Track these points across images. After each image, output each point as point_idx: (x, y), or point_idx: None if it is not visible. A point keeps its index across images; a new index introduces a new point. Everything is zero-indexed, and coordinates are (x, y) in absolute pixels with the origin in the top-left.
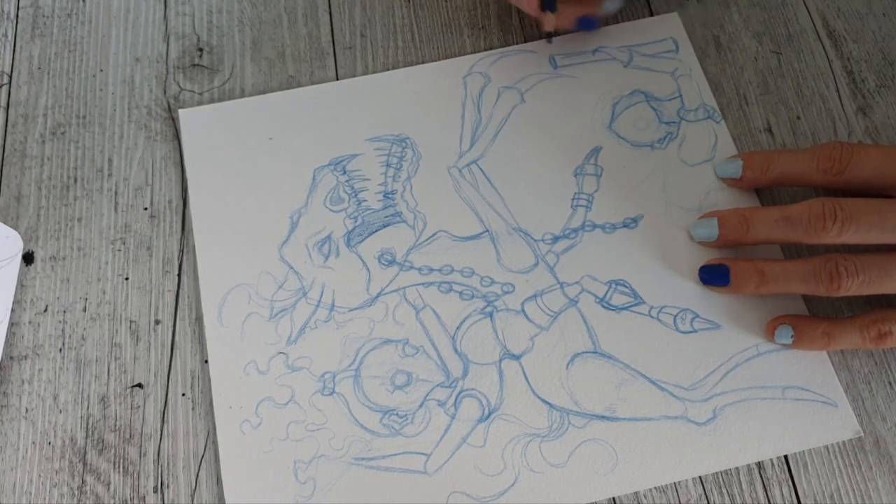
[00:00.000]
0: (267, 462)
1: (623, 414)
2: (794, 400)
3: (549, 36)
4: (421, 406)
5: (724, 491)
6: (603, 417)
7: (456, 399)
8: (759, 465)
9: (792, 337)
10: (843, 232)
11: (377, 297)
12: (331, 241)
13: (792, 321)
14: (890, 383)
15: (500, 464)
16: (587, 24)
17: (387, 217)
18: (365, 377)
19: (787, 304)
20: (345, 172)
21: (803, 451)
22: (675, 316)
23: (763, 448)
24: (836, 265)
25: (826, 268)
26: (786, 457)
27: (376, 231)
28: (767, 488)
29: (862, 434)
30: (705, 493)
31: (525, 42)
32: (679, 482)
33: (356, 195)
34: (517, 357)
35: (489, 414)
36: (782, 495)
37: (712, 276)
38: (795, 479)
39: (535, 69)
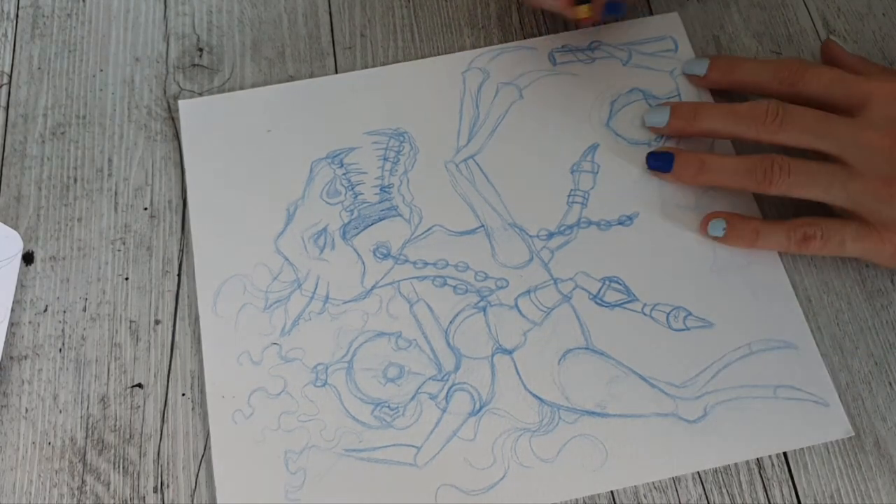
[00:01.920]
0: (258, 452)
1: (614, 410)
2: (785, 399)
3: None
4: (412, 399)
5: (724, 491)
6: (593, 413)
7: (447, 392)
8: (759, 465)
9: (724, 230)
10: (780, 130)
11: (371, 289)
12: (326, 233)
13: (726, 216)
14: (890, 383)
15: (490, 457)
16: (614, 9)
17: (383, 211)
18: (357, 369)
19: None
20: (342, 165)
21: (803, 452)
22: (668, 314)
23: (754, 446)
24: (773, 163)
25: (762, 164)
26: (786, 457)
27: (372, 224)
28: (767, 488)
29: (853, 434)
30: (705, 493)
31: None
32: (679, 482)
33: (353, 188)
34: (510, 352)
35: (480, 408)
36: (782, 495)
37: (657, 161)
38: (795, 479)
39: (533, 66)
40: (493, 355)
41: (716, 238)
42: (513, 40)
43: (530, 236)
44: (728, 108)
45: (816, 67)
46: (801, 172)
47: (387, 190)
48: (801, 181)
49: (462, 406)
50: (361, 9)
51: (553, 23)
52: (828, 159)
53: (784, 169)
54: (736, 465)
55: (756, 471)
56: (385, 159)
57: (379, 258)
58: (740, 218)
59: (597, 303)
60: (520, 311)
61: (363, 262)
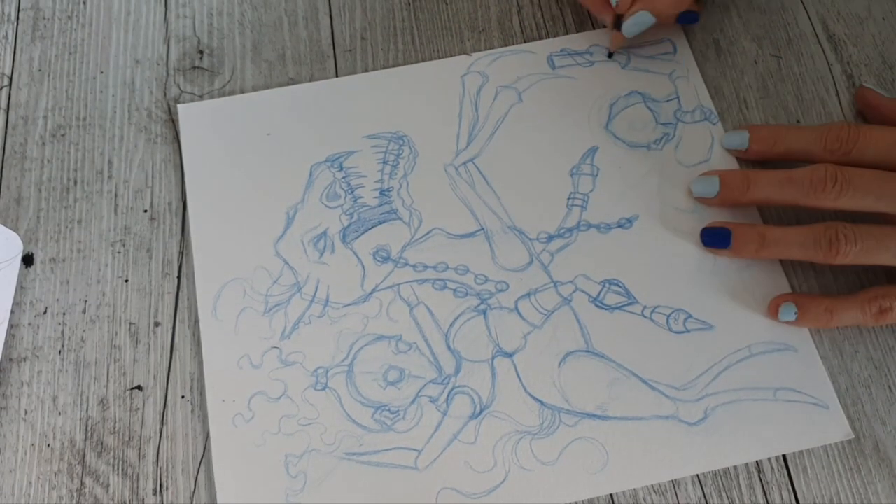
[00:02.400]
0: (258, 456)
1: (614, 413)
2: (785, 401)
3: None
4: (413, 402)
5: (723, 494)
6: (594, 416)
7: (448, 396)
8: (759, 468)
9: (796, 314)
10: (840, 195)
11: (371, 293)
12: (326, 237)
13: (794, 299)
14: (889, 387)
15: (491, 461)
16: (688, 19)
17: (382, 214)
18: (358, 373)
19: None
20: (341, 169)
21: (802, 455)
22: (668, 316)
23: (754, 449)
24: (837, 232)
25: (826, 234)
26: (785, 460)
27: (372, 228)
28: (767, 492)
29: (853, 436)
30: (704, 497)
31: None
32: (678, 485)
33: (352, 192)
34: (510, 355)
35: (481, 411)
36: (782, 499)
37: (714, 237)
38: (795, 482)
39: (532, 69)
40: (493, 358)
41: (788, 322)
42: (513, 43)
43: (530, 239)
44: (783, 176)
45: (869, 131)
46: (868, 238)
47: (386, 193)
48: (869, 248)
49: (463, 409)
50: (362, 11)
51: (553, 26)
52: (891, 221)
53: (850, 238)
54: (735, 468)
55: (755, 474)
56: (384, 163)
57: (379, 261)
58: (810, 299)
59: (597, 305)
60: (520, 314)
61: (363, 266)
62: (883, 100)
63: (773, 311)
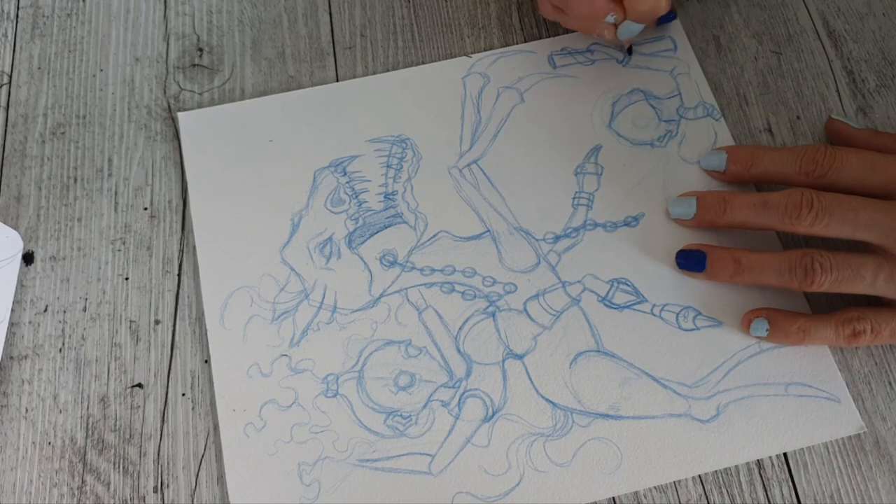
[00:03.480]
0: (271, 464)
1: (627, 412)
2: (797, 396)
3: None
4: (425, 407)
5: (724, 491)
6: (607, 416)
7: (460, 399)
8: (759, 465)
9: (767, 330)
10: (816, 222)
11: (379, 298)
12: (332, 242)
13: (768, 314)
14: (890, 383)
15: (505, 463)
16: (667, 18)
17: (388, 218)
18: (368, 378)
19: (788, 300)
20: (345, 174)
21: (803, 451)
22: (678, 314)
23: (767, 445)
24: (812, 260)
25: (802, 262)
26: (786, 457)
27: (377, 232)
28: (767, 488)
29: (865, 430)
30: (705, 493)
31: (525, 42)
32: (679, 482)
33: (357, 196)
34: (520, 357)
35: (493, 414)
36: (782, 495)
37: (688, 260)
38: (795, 478)
39: (534, 69)
40: (503, 360)
41: (759, 338)
42: (513, 40)
43: (537, 240)
44: (759, 199)
45: (844, 154)
46: (844, 267)
47: (391, 197)
48: (845, 277)
49: (475, 412)
50: (361, 9)
51: (552, 23)
52: (868, 248)
53: (825, 267)
54: (736, 465)
55: (756, 471)
56: (388, 166)
57: (386, 266)
58: (784, 315)
59: (606, 305)
60: (529, 316)
61: (370, 271)
62: (854, 131)
63: (745, 324)
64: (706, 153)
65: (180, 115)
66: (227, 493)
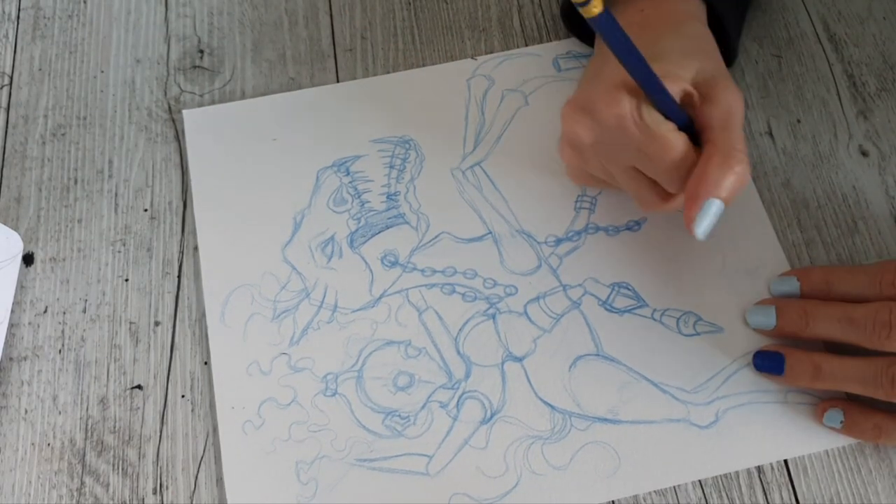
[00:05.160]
0: (269, 463)
1: (625, 416)
2: (796, 404)
3: None
4: (423, 407)
5: (723, 495)
6: (605, 420)
7: (458, 401)
8: (759, 469)
9: (841, 423)
10: None
11: (380, 298)
12: (334, 242)
13: (844, 406)
14: None
15: (503, 465)
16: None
17: (390, 218)
18: (367, 378)
19: None
20: (348, 174)
21: (803, 455)
22: (678, 319)
23: (766, 451)
24: None
25: (889, 372)
26: (786, 461)
27: (379, 232)
28: (767, 492)
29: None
30: (705, 497)
31: (525, 45)
32: (679, 486)
33: (359, 196)
34: (520, 359)
35: (491, 416)
36: (782, 499)
37: (766, 362)
38: (795, 483)
39: (538, 72)
40: (503, 363)
41: (832, 428)
42: (513, 43)
43: (538, 242)
44: (842, 313)
45: None
46: None
47: (393, 197)
48: None
49: (473, 414)
50: (362, 11)
51: (553, 26)
52: None
53: None
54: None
55: (756, 475)
56: (391, 167)
57: (387, 266)
58: (860, 410)
59: (606, 309)
60: (529, 318)
61: (371, 271)
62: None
63: (819, 413)
64: (775, 280)
65: (185, 112)
66: (225, 493)
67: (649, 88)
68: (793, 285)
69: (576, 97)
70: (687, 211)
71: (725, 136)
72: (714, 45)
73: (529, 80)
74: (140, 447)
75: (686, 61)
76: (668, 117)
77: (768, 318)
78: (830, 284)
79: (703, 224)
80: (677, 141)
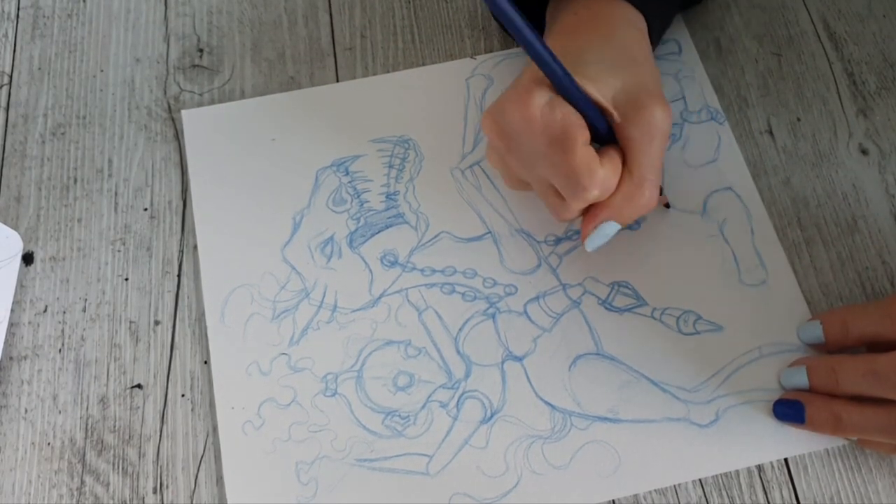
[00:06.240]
0: (269, 463)
1: (626, 416)
2: None
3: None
4: (423, 407)
5: (723, 493)
6: (605, 419)
7: (458, 400)
8: (759, 467)
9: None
10: None
11: (380, 298)
12: (333, 241)
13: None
14: None
15: (503, 465)
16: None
17: (389, 218)
18: (367, 378)
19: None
20: (347, 173)
21: (803, 454)
22: (678, 318)
23: (766, 450)
24: None
25: None
26: (786, 459)
27: (379, 232)
28: (767, 491)
29: None
30: (705, 496)
31: None
32: (679, 485)
33: (359, 196)
34: (520, 358)
35: (491, 415)
36: (782, 498)
37: (787, 411)
38: (795, 481)
39: None
40: (503, 362)
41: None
42: (513, 42)
43: (538, 242)
44: (865, 367)
45: None
46: None
47: (393, 197)
48: None
49: (473, 414)
50: (361, 10)
51: None
52: None
53: None
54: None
55: (756, 473)
56: (390, 166)
57: (386, 266)
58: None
59: (606, 308)
60: (529, 318)
61: (371, 271)
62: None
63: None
64: (802, 327)
65: (184, 112)
66: (225, 492)
67: (558, 81)
68: (816, 330)
69: (493, 103)
70: (584, 226)
71: (640, 162)
72: (647, 52)
73: None
74: (140, 446)
75: (610, 77)
76: (582, 114)
77: (801, 378)
78: (846, 325)
79: (596, 242)
80: (583, 147)
